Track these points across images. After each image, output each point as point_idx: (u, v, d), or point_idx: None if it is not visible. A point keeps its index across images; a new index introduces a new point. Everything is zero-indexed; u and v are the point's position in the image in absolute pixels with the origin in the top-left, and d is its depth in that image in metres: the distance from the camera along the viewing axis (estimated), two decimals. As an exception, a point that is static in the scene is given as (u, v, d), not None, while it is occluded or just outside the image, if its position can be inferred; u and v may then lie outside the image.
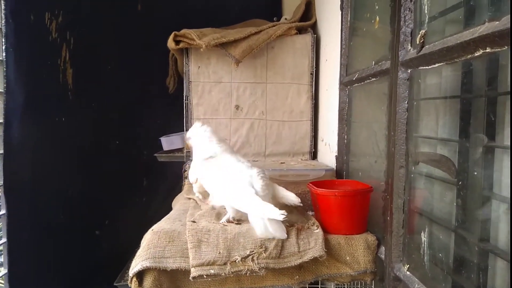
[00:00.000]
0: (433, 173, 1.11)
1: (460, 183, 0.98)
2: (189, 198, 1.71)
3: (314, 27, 2.30)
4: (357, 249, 1.27)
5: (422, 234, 1.08)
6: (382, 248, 1.26)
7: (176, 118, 2.32)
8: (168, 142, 2.40)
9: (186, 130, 2.23)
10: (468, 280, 0.94)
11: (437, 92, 1.11)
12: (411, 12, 1.06)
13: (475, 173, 0.94)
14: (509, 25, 0.64)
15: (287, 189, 1.70)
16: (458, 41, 0.79)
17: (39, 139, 2.30)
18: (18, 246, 2.17)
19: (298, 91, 2.22)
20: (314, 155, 2.27)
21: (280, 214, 1.15)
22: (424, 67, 0.99)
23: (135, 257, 1.21)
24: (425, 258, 1.07)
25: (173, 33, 2.13)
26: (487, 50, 0.71)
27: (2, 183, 2.14)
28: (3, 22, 2.14)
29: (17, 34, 2.19)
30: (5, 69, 2.15)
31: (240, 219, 1.37)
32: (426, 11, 1.03)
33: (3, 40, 2.15)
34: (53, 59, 2.39)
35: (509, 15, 0.64)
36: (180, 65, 2.36)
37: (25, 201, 2.23)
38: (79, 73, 2.48)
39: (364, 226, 1.36)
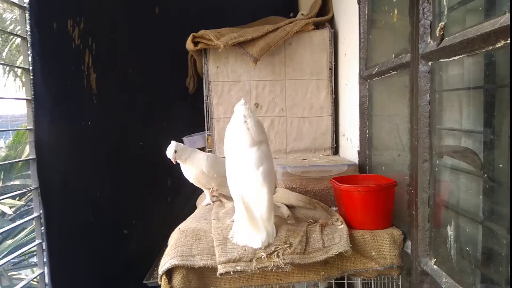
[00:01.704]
0: (458, 165, 1.10)
1: (485, 175, 0.96)
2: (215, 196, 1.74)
3: (331, 22, 2.29)
4: (383, 244, 1.27)
5: (449, 227, 1.08)
6: (408, 243, 1.26)
7: (197, 118, 2.36)
8: (190, 142, 2.43)
9: (207, 130, 2.27)
10: (497, 273, 0.93)
11: (460, 83, 1.09)
12: (430, 4, 1.04)
13: (500, 165, 0.93)
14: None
15: (309, 185, 1.71)
16: (479, 33, 0.78)
17: (68, 143, 2.38)
18: (54, 247, 2.27)
19: (318, 86, 2.21)
20: (335, 150, 2.26)
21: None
22: (445, 59, 0.98)
23: (164, 256, 1.24)
24: (452, 251, 1.06)
25: (191, 34, 2.16)
26: (508, 41, 0.70)
27: (35, 186, 2.23)
28: (28, 32, 2.22)
29: (42, 42, 2.25)
30: (32, 77, 2.23)
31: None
32: (444, 3, 1.01)
33: (30, 49, 2.23)
34: (77, 65, 2.45)
35: (509, 14, 0.64)
36: (199, 65, 2.39)
37: (57, 203, 2.31)
38: (102, 78, 2.54)
39: (389, 220, 1.35)
